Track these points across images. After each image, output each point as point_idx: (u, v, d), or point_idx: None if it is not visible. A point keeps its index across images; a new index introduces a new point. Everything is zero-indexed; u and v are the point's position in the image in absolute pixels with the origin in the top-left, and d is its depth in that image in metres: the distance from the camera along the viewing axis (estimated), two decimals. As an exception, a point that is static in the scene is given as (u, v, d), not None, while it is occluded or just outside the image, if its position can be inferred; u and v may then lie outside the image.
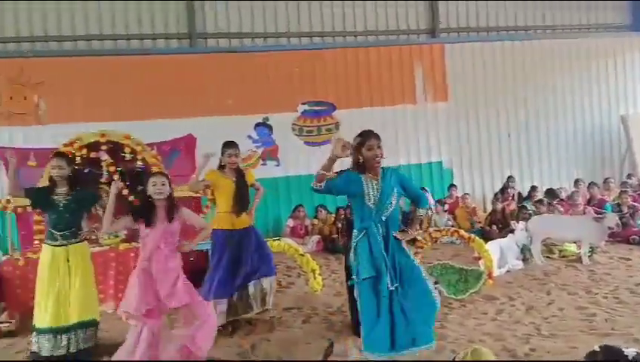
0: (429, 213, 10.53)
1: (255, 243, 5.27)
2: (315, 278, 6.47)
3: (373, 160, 3.77)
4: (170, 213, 4.20)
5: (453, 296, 5.86)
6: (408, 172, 11.73)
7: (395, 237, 3.79)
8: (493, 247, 6.95)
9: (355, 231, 3.85)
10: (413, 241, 7.39)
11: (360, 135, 3.87)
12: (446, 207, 10.63)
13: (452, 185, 11.44)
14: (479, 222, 10.20)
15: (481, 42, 12.30)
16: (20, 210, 6.69)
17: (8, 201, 6.63)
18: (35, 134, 9.99)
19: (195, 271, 6.42)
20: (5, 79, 10.03)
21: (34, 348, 4.62)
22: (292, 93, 11.25)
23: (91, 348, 4.69)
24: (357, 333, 4.20)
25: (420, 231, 8.54)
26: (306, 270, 6.61)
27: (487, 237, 8.58)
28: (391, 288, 3.63)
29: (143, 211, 4.20)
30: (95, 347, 4.74)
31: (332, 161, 3.65)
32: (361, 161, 3.80)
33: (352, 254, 3.84)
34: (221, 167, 5.27)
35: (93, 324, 4.73)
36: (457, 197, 11.07)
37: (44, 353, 4.54)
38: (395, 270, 3.69)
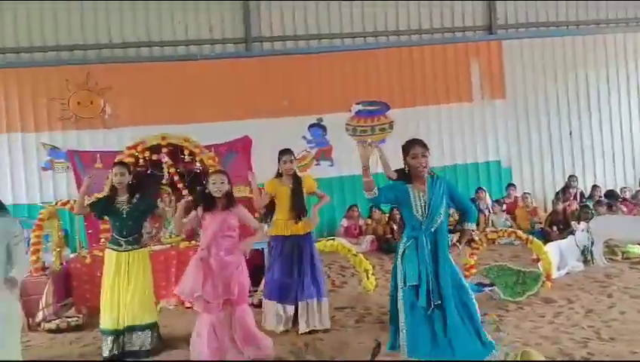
0: (486, 212, 10.36)
1: (310, 256, 5.32)
2: (368, 278, 6.49)
3: (418, 168, 3.72)
4: (227, 208, 4.42)
5: (510, 298, 5.74)
6: (465, 171, 11.63)
7: (445, 252, 3.77)
8: (552, 249, 6.77)
9: (404, 236, 3.85)
10: (468, 242, 7.31)
11: (405, 143, 3.84)
12: (504, 207, 10.40)
13: (510, 185, 11.18)
14: (540, 223, 9.92)
15: (541, 38, 11.97)
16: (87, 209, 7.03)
17: (75, 201, 7.00)
18: (102, 137, 10.55)
19: (251, 268, 6.62)
20: (73, 85, 10.58)
21: (104, 352, 4.83)
22: (346, 94, 11.33)
23: (149, 350, 4.84)
24: None
25: (477, 232, 8.41)
26: (359, 270, 6.65)
27: (547, 238, 8.37)
28: (436, 303, 3.62)
29: (205, 200, 4.44)
30: (153, 348, 4.88)
31: (365, 168, 3.69)
32: (407, 170, 3.79)
33: (398, 258, 3.83)
34: (278, 175, 5.36)
35: (149, 327, 4.86)
36: (516, 197, 10.82)
37: (105, 354, 4.74)
38: (438, 285, 3.66)
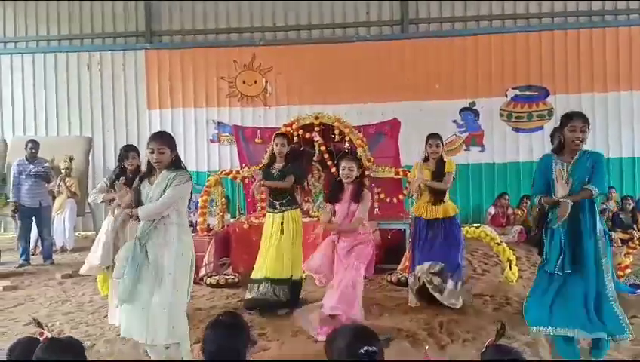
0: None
1: (451, 239, 5.36)
2: (510, 268, 6.36)
3: (573, 142, 3.60)
4: (356, 195, 4.54)
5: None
6: (632, 165, 10.72)
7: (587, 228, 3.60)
8: None
9: (550, 214, 3.74)
10: (624, 242, 6.86)
11: (565, 114, 3.73)
12: (675, 206, 9.45)
13: (685, 183, 10.09)
14: None
15: None
16: (247, 180, 7.73)
17: (238, 172, 7.72)
18: (262, 114, 11.37)
19: (390, 247, 6.83)
20: (240, 65, 11.49)
21: (247, 296, 5.36)
22: (503, 78, 10.97)
23: (298, 299, 5.32)
24: None
25: (635, 232, 7.84)
26: (502, 259, 6.53)
27: None
28: (558, 273, 3.57)
29: (333, 191, 4.66)
30: (299, 300, 5.33)
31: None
32: (562, 141, 3.68)
33: (545, 237, 3.77)
34: (425, 159, 5.47)
35: (294, 282, 5.32)
36: (691, 196, 9.76)
37: (254, 295, 5.25)
38: (573, 256, 3.57)
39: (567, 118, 3.67)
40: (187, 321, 3.76)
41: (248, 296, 5.32)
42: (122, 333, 3.74)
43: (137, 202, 3.72)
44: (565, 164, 3.64)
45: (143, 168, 4.14)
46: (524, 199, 9.84)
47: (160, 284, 3.56)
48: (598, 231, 3.62)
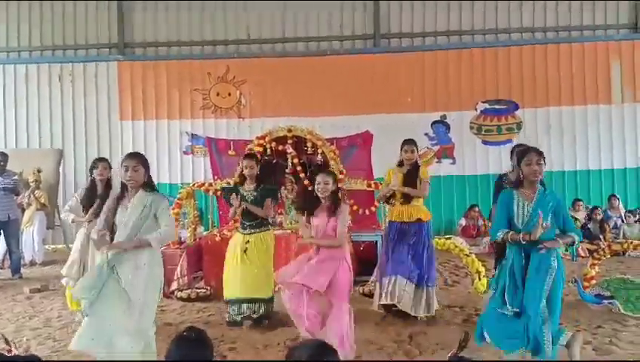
0: (619, 222, 9.73)
1: (422, 244, 5.42)
2: (479, 279, 6.45)
3: (531, 175, 3.74)
4: (332, 210, 4.35)
5: (631, 313, 5.44)
6: (599, 177, 11.03)
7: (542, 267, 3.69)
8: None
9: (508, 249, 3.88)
10: (591, 253, 7.01)
11: (520, 150, 3.91)
12: (638, 217, 9.70)
13: (648, 194, 10.39)
14: (679, 236, 9.13)
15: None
16: (219, 192, 7.69)
17: (210, 185, 7.71)
18: (236, 126, 11.38)
19: (363, 259, 6.87)
20: (214, 77, 11.50)
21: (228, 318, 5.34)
22: (473, 92, 11.19)
23: (263, 317, 5.27)
24: None
25: (602, 243, 8.02)
26: (471, 270, 6.63)
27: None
28: (509, 313, 3.67)
29: (307, 202, 4.51)
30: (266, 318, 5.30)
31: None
32: (521, 176, 3.82)
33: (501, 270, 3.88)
34: (400, 163, 5.54)
35: (262, 301, 5.28)
36: (654, 207, 10.03)
37: (229, 318, 5.28)
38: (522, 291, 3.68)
39: (523, 153, 3.82)
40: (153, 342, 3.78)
41: (229, 318, 5.30)
42: (80, 346, 3.65)
43: (110, 224, 3.73)
44: (527, 202, 3.76)
45: (114, 183, 4.13)
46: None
47: (129, 308, 3.61)
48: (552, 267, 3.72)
